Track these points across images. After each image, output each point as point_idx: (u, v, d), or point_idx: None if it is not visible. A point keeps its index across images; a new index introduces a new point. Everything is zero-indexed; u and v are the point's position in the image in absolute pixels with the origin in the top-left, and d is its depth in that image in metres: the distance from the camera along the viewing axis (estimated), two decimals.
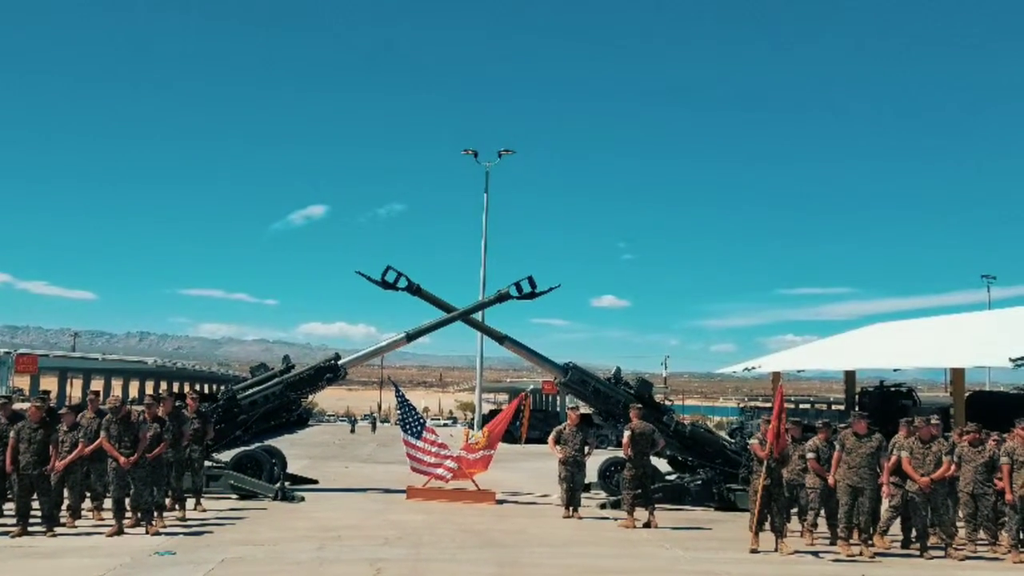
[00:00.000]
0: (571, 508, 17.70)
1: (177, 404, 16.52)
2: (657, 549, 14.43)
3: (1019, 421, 14.64)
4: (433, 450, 19.91)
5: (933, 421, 14.84)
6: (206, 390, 79.43)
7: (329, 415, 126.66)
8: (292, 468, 22.57)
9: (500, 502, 19.78)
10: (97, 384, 67.35)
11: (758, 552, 14.00)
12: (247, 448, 20.60)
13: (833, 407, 61.93)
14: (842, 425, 15.95)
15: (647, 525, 16.42)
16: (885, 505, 14.92)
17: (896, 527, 15.13)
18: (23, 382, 59.11)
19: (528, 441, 28.82)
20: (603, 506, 19.18)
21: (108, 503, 14.55)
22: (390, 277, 20.97)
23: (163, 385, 76.75)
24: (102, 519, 14.80)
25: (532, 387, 61.18)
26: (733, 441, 22.24)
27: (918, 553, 14.33)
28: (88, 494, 15.21)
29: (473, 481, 19.98)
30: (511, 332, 21.63)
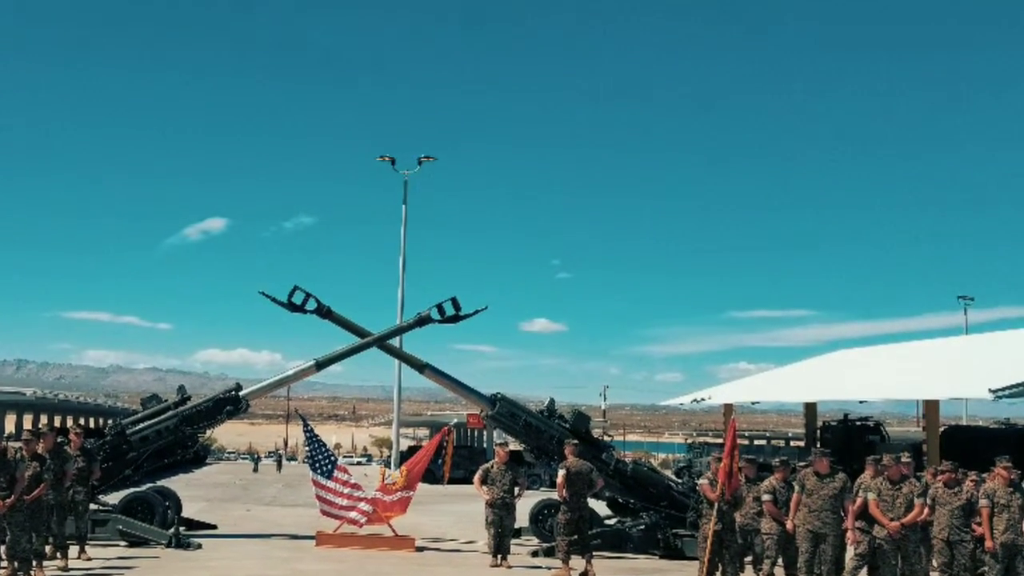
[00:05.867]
0: (499, 556, 17.81)
1: (59, 440, 16.42)
2: None
3: (1000, 459, 14.68)
4: (345, 491, 20.01)
5: (904, 459, 14.87)
6: (92, 424, 78.28)
7: (229, 452, 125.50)
8: (188, 511, 22.48)
9: (420, 549, 19.92)
10: None
11: None
12: (137, 489, 20.57)
13: (792, 443, 62.74)
14: (802, 463, 16.10)
15: (584, 575, 16.60)
16: (850, 553, 14.74)
17: None
18: None
19: (451, 481, 28.99)
20: (535, 554, 19.37)
21: None
22: (297, 298, 21.10)
23: (43, 419, 75.32)
24: None
25: (456, 421, 61.03)
26: (680, 481, 22.50)
27: None
28: None
29: (390, 526, 20.10)
30: (433, 359, 21.86)
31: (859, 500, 14.47)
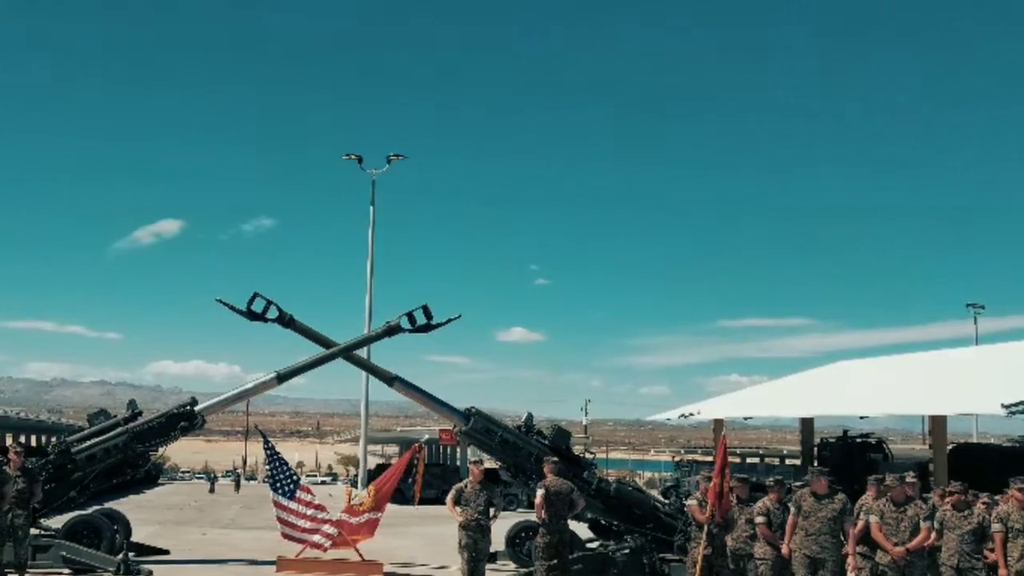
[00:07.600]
0: None
1: None
2: None
3: (1014, 480, 14.44)
4: (309, 513, 19.94)
5: (908, 479, 14.86)
6: (33, 442, 77.83)
7: (184, 472, 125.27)
8: (138, 536, 22.37)
9: (389, 575, 19.88)
10: None
11: None
12: (83, 512, 20.45)
13: (787, 462, 62.86)
14: (798, 483, 16.08)
15: None
16: None
17: None
18: None
19: (422, 501, 28.82)
20: None
21: None
22: (257, 306, 21.06)
23: None
24: None
25: (427, 437, 61.01)
26: (667, 502, 22.47)
27: None
28: None
29: (356, 550, 20.07)
30: (403, 371, 21.82)
31: (860, 523, 14.37)
